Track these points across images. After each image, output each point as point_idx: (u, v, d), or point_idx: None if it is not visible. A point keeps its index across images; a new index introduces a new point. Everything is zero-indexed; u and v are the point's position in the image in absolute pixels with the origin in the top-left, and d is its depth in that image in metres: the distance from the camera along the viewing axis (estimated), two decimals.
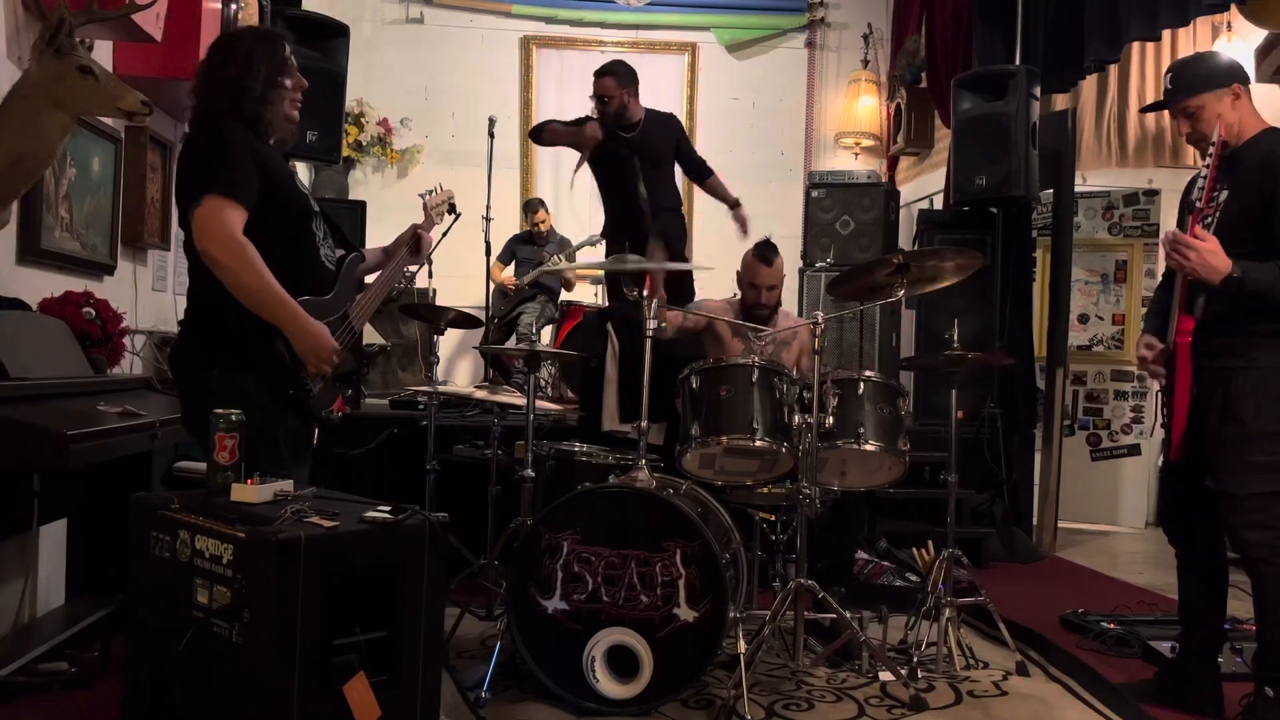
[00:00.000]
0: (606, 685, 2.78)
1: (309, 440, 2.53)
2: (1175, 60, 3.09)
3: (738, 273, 3.94)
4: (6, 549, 2.99)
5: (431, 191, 2.95)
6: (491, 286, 6.33)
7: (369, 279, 2.74)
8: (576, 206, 7.45)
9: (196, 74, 2.44)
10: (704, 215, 7.69)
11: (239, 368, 2.32)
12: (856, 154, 7.73)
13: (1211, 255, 2.53)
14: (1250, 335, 2.65)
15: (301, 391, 2.37)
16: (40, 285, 3.13)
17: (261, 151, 2.37)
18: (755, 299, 3.84)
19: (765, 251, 3.85)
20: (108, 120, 3.42)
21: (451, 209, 2.97)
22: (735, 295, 4.02)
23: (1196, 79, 2.72)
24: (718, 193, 5.20)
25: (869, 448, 3.16)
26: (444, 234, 5.47)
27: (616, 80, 4.79)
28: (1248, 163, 2.68)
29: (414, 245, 2.79)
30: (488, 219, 5.89)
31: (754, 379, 3.12)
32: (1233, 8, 4.37)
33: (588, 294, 7.13)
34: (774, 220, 5.94)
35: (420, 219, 2.88)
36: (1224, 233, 2.64)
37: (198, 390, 2.35)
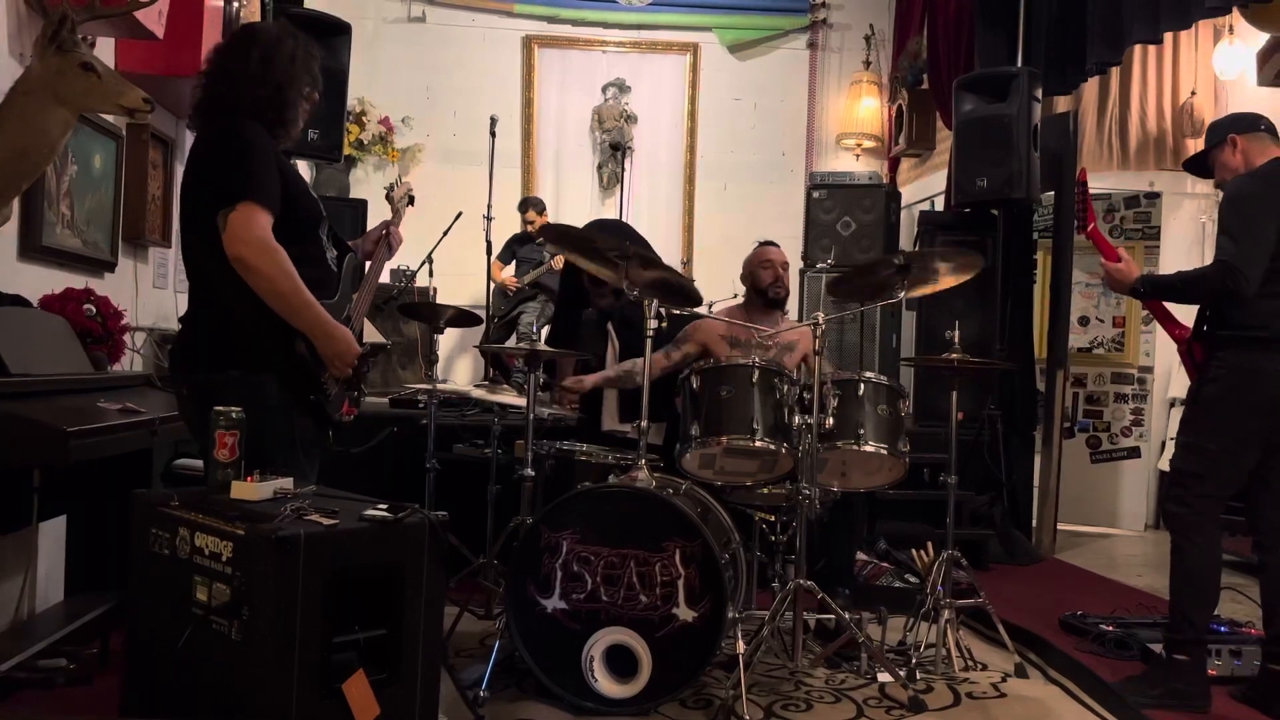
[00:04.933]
0: (605, 685, 2.78)
1: (320, 442, 2.53)
2: None
3: (742, 275, 3.96)
4: (6, 545, 2.98)
5: (394, 185, 2.96)
6: (492, 285, 6.34)
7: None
8: (579, 206, 7.46)
9: (218, 64, 2.40)
10: (703, 217, 7.73)
11: (257, 371, 2.31)
12: (858, 155, 7.73)
13: (1116, 273, 3.04)
14: (1217, 335, 2.93)
15: (322, 396, 2.39)
16: (41, 282, 3.13)
17: (277, 154, 2.36)
18: (773, 277, 3.87)
19: (768, 241, 3.99)
20: (109, 117, 3.42)
21: (410, 200, 2.94)
22: (735, 296, 4.02)
23: (1210, 137, 3.15)
24: None
25: (869, 449, 3.15)
26: (445, 233, 5.53)
27: None
28: None
29: (387, 241, 2.77)
30: (488, 218, 5.91)
31: (754, 379, 3.12)
32: (1235, 11, 4.37)
33: None
34: (775, 221, 5.95)
35: (392, 219, 2.84)
36: None
37: (211, 391, 2.28)
